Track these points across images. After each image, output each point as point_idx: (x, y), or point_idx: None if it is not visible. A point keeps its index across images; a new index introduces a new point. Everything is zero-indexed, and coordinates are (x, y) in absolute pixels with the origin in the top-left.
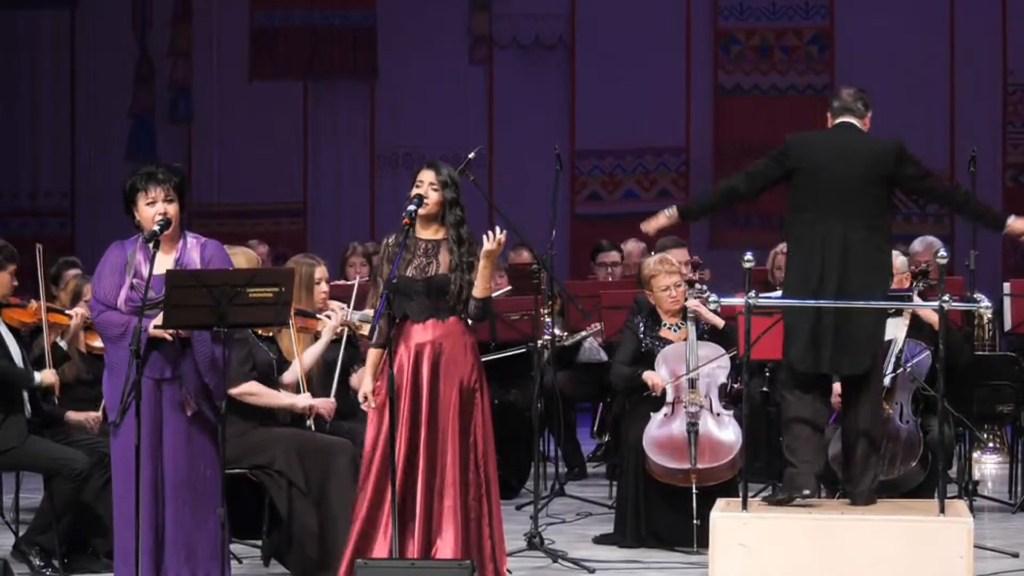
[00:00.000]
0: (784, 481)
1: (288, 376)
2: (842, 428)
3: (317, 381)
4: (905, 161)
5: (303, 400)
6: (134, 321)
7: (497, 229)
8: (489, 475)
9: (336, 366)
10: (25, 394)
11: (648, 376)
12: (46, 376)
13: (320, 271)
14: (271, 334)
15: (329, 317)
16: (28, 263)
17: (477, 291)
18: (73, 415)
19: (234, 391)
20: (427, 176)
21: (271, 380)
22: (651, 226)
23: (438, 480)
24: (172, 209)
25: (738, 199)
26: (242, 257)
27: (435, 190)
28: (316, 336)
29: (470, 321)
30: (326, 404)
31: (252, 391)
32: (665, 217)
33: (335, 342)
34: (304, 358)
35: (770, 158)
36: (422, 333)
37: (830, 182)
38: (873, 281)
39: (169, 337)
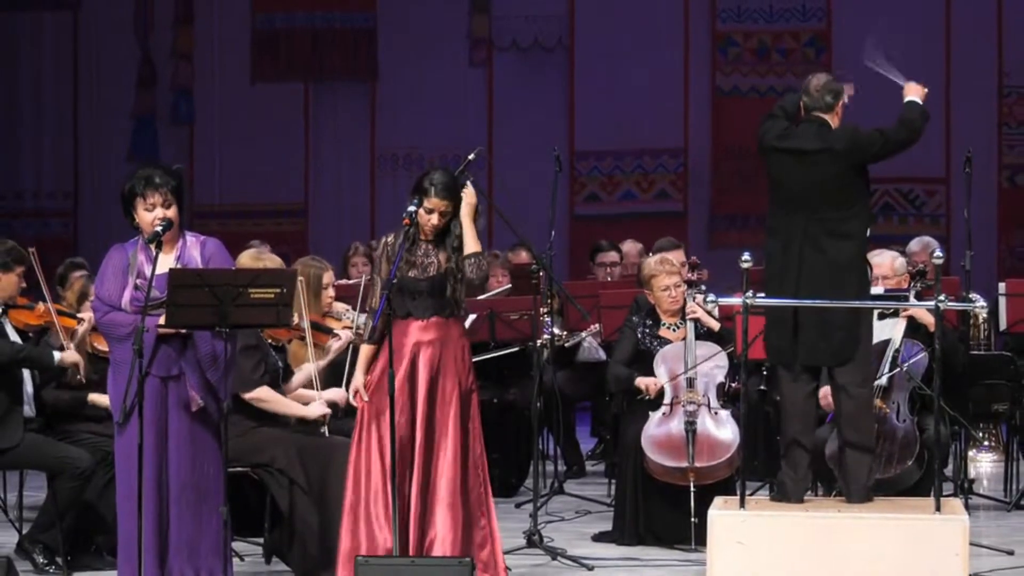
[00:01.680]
0: (777, 484)
1: (293, 383)
2: (836, 428)
3: (322, 384)
4: (862, 146)
5: (316, 410)
6: (148, 319)
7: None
8: (484, 473)
9: (339, 367)
10: (29, 393)
11: (640, 381)
12: (67, 356)
13: (328, 276)
14: (280, 343)
15: (338, 332)
16: (30, 282)
17: (468, 248)
18: (96, 397)
19: (247, 396)
20: (439, 206)
21: (276, 386)
22: None
23: (435, 479)
24: (171, 213)
25: None
26: (269, 262)
27: (444, 216)
28: (324, 350)
29: (476, 281)
30: (338, 395)
31: (264, 397)
32: None
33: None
34: (307, 369)
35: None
36: (422, 332)
37: (789, 181)
38: (837, 277)
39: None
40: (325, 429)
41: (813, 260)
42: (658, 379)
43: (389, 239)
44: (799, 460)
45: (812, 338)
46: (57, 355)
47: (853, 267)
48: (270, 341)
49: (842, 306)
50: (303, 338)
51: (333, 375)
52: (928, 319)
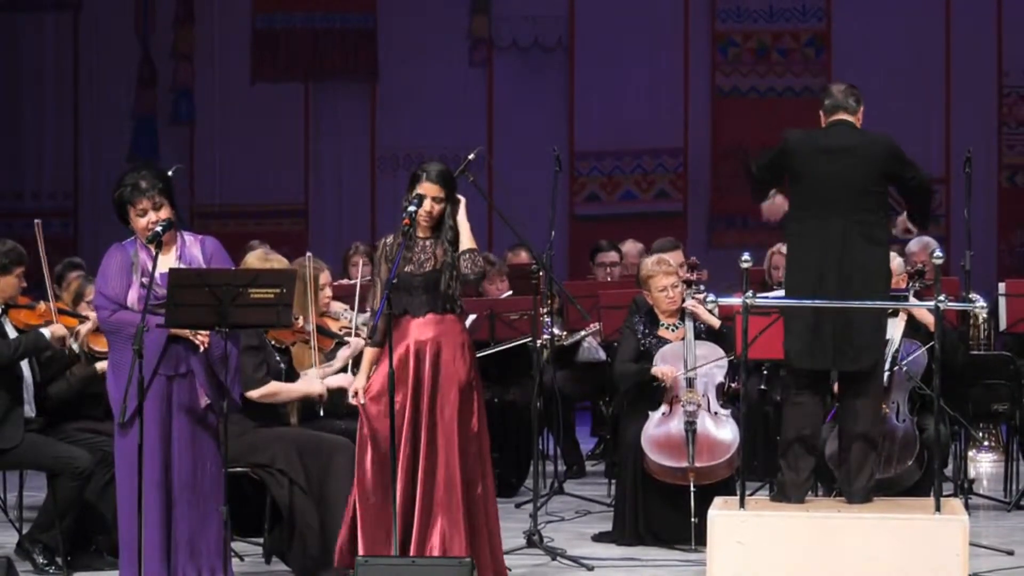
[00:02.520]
0: (776, 486)
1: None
2: (839, 428)
3: None
4: (900, 159)
5: (318, 385)
6: (151, 318)
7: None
8: (487, 472)
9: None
10: (30, 392)
11: (656, 369)
12: (55, 329)
13: (324, 276)
14: (285, 345)
15: (349, 340)
16: (31, 265)
17: (463, 246)
18: (104, 365)
19: (255, 395)
20: (431, 190)
21: None
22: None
23: (438, 478)
24: (164, 213)
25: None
26: (277, 263)
27: (438, 203)
28: (327, 352)
29: (472, 277)
30: (345, 379)
31: (272, 391)
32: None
33: (341, 344)
34: (313, 374)
35: (769, 161)
36: (422, 330)
37: (828, 183)
38: (872, 281)
39: (199, 342)
40: (320, 409)
41: (853, 266)
42: (670, 368)
43: (388, 240)
44: (804, 463)
45: (841, 345)
46: (46, 332)
47: (884, 273)
48: (273, 343)
49: (861, 311)
50: (307, 341)
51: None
52: (928, 319)
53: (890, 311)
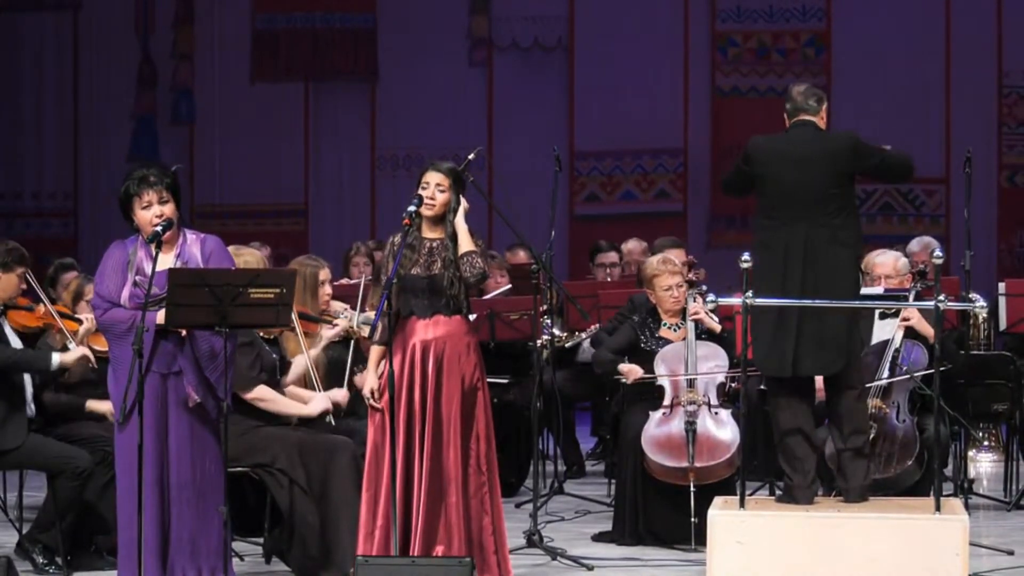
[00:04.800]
0: (784, 491)
1: (290, 377)
2: (832, 428)
3: (323, 380)
4: (862, 155)
5: (317, 406)
6: (149, 317)
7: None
8: (491, 472)
9: (339, 365)
10: (29, 393)
11: (623, 366)
12: (67, 356)
13: (324, 273)
14: (273, 336)
15: (335, 322)
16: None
17: (462, 248)
18: (94, 404)
19: (247, 396)
20: (433, 178)
21: (275, 381)
22: None
23: (440, 478)
24: (168, 210)
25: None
26: (250, 257)
27: (441, 191)
28: (316, 338)
29: (472, 280)
30: (340, 395)
31: (263, 396)
32: None
33: (341, 343)
34: (300, 361)
35: (736, 169)
36: (426, 330)
37: (790, 188)
38: (838, 284)
39: (180, 331)
40: (331, 419)
41: (817, 270)
42: (638, 368)
43: (396, 239)
44: (808, 464)
45: (813, 349)
46: (56, 357)
47: (850, 274)
48: (261, 335)
49: (840, 313)
50: (294, 329)
51: (334, 373)
52: (927, 331)
53: (891, 311)
